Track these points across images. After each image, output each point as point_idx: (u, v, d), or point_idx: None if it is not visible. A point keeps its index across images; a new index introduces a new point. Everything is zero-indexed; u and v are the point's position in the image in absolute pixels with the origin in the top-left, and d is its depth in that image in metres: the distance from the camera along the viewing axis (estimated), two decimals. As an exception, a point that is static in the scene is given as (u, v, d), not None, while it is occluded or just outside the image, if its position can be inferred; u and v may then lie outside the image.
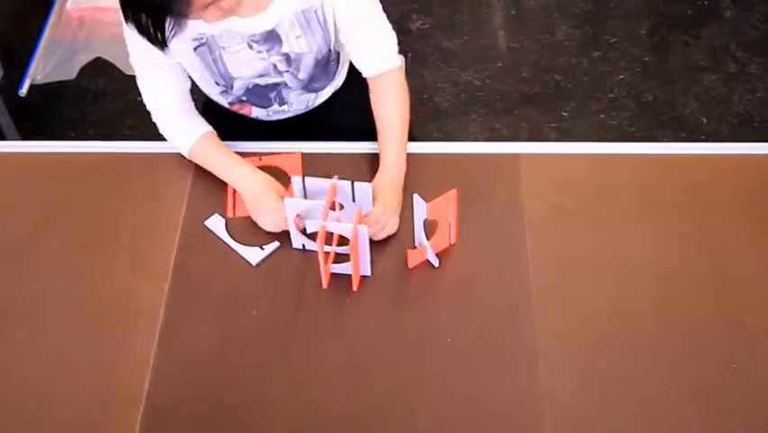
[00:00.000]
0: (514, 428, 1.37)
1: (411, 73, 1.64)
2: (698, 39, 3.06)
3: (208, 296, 1.52)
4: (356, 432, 1.37)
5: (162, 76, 1.61)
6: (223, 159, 1.63)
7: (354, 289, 1.50)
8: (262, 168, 1.66)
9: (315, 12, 1.54)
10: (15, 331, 1.49)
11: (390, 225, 1.55)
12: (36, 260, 1.57)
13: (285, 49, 1.58)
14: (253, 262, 1.55)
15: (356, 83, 1.71)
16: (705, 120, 2.83)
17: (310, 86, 1.71)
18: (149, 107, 1.67)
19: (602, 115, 2.85)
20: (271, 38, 1.55)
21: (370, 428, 1.38)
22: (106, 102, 2.89)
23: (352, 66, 1.73)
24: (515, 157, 1.70)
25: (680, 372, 1.42)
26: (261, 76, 1.63)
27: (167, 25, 1.38)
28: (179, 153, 1.71)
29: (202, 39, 1.53)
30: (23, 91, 2.37)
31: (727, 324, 1.47)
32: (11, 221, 1.63)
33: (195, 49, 1.55)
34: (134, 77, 2.57)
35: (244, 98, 1.69)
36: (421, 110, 2.84)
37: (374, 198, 1.54)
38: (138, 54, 1.58)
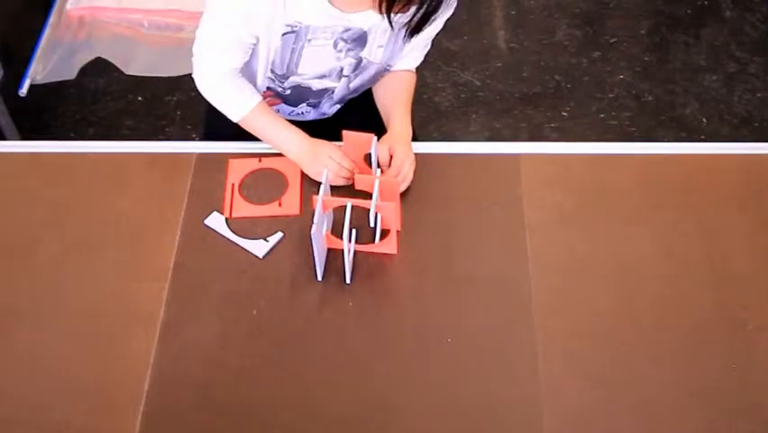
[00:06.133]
0: (514, 428, 1.37)
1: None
2: (698, 39, 3.06)
3: (208, 296, 1.52)
4: (356, 432, 1.38)
5: (231, 46, 1.58)
6: (274, 130, 1.65)
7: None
8: (262, 170, 1.67)
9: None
10: (15, 331, 1.48)
11: (409, 177, 1.61)
12: (36, 260, 1.57)
13: (364, 53, 1.60)
14: (260, 255, 1.55)
15: (365, 94, 1.75)
16: (705, 120, 2.83)
17: (347, 97, 1.74)
18: (204, 70, 1.63)
19: (602, 115, 2.85)
20: (359, 40, 1.57)
21: (369, 427, 1.38)
22: (106, 102, 2.89)
23: None
24: (514, 157, 1.70)
25: (680, 372, 1.42)
26: (322, 77, 1.64)
27: None
28: (179, 153, 1.71)
29: (295, 27, 1.52)
30: (23, 91, 2.37)
31: (727, 324, 1.47)
32: (11, 221, 1.63)
33: (283, 34, 1.54)
34: (134, 77, 2.57)
35: (288, 93, 1.69)
36: (421, 110, 2.84)
37: (389, 152, 1.60)
38: (222, 19, 1.55)
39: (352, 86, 1.69)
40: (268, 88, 1.70)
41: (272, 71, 1.63)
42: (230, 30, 1.55)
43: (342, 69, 1.63)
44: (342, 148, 1.62)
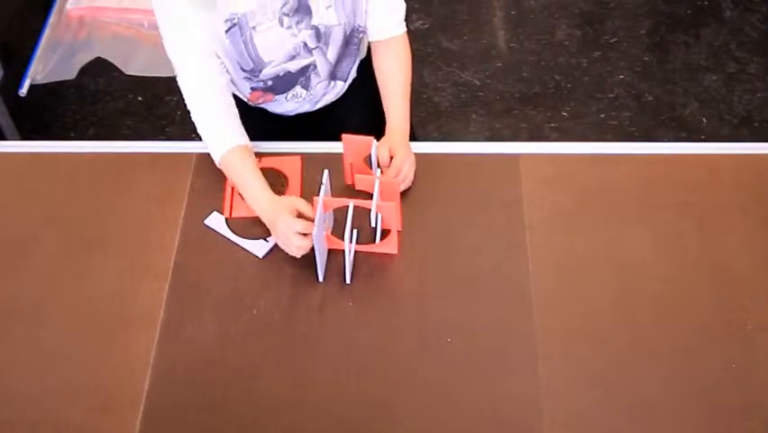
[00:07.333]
0: (514, 428, 1.37)
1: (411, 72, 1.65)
2: (698, 39, 3.06)
3: (208, 296, 1.52)
4: (356, 432, 1.37)
5: (203, 71, 1.58)
6: (241, 177, 1.59)
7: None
8: (262, 169, 1.67)
9: None
10: (15, 331, 1.49)
11: (409, 177, 1.63)
12: (36, 259, 1.57)
13: (315, 21, 1.59)
14: (260, 255, 1.55)
15: (361, 86, 1.74)
16: (705, 120, 2.83)
17: (336, 70, 1.71)
18: (190, 103, 1.61)
19: (602, 115, 2.85)
20: (301, 9, 1.57)
21: (370, 427, 1.38)
22: (106, 102, 2.89)
23: (359, 67, 1.76)
24: (514, 157, 1.70)
25: (680, 371, 1.42)
26: (292, 58, 1.63)
27: None
28: (179, 153, 1.71)
29: (233, 19, 1.53)
30: (23, 91, 2.37)
31: (727, 324, 1.47)
32: (11, 221, 1.63)
33: (226, 31, 1.55)
34: (134, 77, 2.57)
35: (270, 83, 1.68)
36: (421, 110, 2.84)
37: (389, 154, 1.61)
38: (177, 43, 1.56)
39: (330, 57, 1.67)
40: (253, 89, 1.69)
41: (243, 70, 1.62)
42: (186, 55, 1.56)
43: (305, 44, 1.62)
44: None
